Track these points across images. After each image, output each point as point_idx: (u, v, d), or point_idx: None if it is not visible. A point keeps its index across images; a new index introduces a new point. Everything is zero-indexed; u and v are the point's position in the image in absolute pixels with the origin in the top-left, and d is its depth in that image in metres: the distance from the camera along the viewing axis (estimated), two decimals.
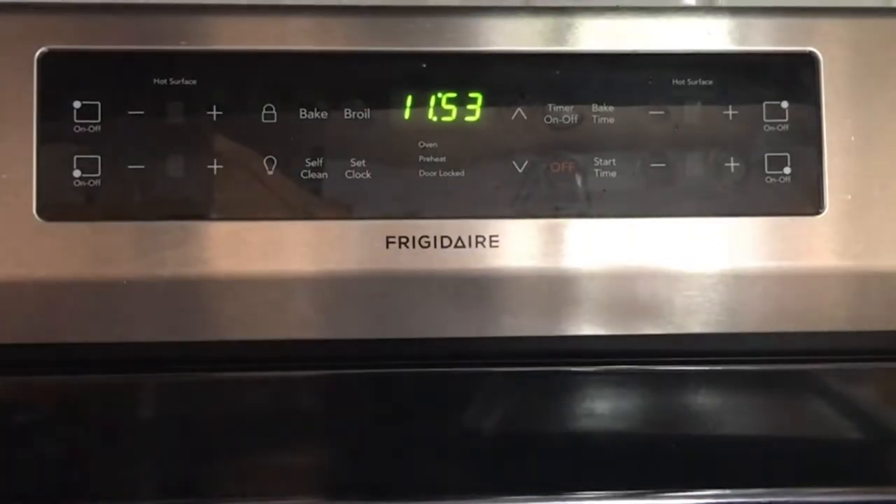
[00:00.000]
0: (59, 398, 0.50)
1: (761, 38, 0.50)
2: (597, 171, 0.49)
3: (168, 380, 0.50)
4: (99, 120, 0.47)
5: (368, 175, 0.48)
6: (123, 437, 0.49)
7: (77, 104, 0.47)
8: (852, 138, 0.50)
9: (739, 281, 0.49)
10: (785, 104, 0.50)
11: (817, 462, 0.51)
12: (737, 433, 0.52)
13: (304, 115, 0.48)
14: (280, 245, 0.47)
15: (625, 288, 0.49)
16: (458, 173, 0.48)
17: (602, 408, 0.51)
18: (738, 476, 0.51)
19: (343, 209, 0.48)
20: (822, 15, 0.51)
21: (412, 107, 0.49)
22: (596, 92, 0.49)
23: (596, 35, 0.50)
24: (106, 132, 0.47)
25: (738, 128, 0.50)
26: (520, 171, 0.49)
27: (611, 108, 0.49)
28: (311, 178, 0.48)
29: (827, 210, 0.49)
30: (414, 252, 0.48)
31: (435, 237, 0.48)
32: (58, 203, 0.47)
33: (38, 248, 0.46)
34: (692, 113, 0.50)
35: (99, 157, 0.47)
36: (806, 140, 0.50)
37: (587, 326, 0.49)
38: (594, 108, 0.49)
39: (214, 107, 0.48)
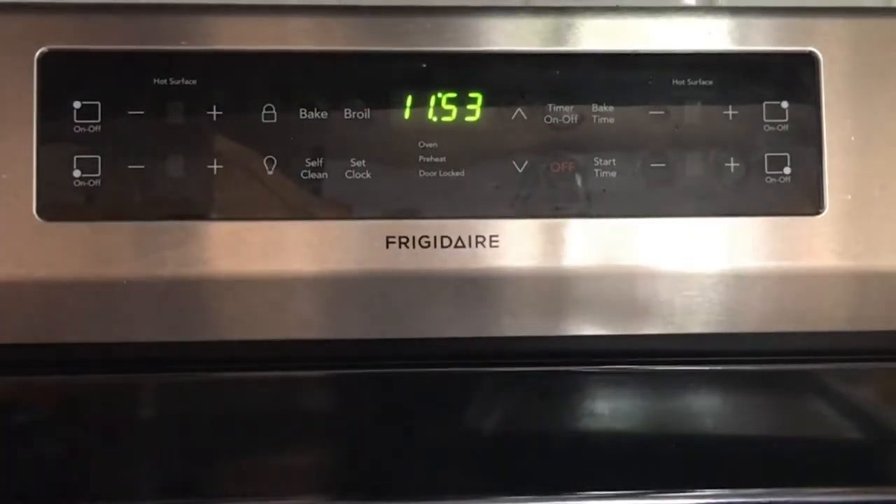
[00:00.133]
0: (59, 398, 0.50)
1: (761, 38, 0.50)
2: (597, 171, 0.49)
3: (168, 380, 0.50)
4: (99, 120, 0.47)
5: (368, 175, 0.48)
6: (123, 437, 0.49)
7: (77, 104, 0.47)
8: (852, 138, 0.50)
9: (739, 281, 0.49)
10: (785, 104, 0.50)
11: (817, 462, 0.51)
12: (737, 433, 0.52)
13: (304, 115, 0.48)
14: (280, 245, 0.47)
15: (625, 288, 0.49)
16: (458, 173, 0.48)
17: (602, 408, 0.51)
18: (738, 476, 0.50)
19: (343, 209, 0.48)
20: (822, 15, 0.51)
21: (412, 107, 0.49)
22: (596, 92, 0.49)
23: (596, 35, 0.50)
24: (106, 132, 0.47)
25: (738, 128, 0.50)
26: (520, 171, 0.49)
27: (611, 108, 0.49)
28: (311, 178, 0.48)
29: (827, 210, 0.49)
30: (414, 252, 0.48)
31: (435, 237, 0.48)
32: (58, 203, 0.47)
33: (38, 248, 0.46)
34: (692, 113, 0.50)
35: (99, 157, 0.47)
36: (806, 140, 0.50)
37: (587, 326, 0.49)
38: (594, 108, 0.49)
39: (214, 107, 0.48)
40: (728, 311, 0.49)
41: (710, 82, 0.50)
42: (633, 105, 0.49)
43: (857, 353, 0.51)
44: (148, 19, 0.48)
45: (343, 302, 0.48)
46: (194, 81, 0.48)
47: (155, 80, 0.47)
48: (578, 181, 0.49)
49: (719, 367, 0.51)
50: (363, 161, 0.48)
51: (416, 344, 0.49)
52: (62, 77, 0.47)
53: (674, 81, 0.50)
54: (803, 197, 0.50)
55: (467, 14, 0.50)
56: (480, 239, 0.48)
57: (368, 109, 0.48)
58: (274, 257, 0.47)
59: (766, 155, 0.49)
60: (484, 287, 0.48)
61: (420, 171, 0.48)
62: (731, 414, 0.52)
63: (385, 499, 0.50)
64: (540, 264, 0.48)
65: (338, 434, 0.51)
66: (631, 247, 0.49)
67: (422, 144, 0.48)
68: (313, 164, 0.48)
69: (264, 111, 0.48)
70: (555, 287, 0.49)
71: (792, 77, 0.50)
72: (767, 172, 0.49)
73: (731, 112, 0.50)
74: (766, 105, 0.50)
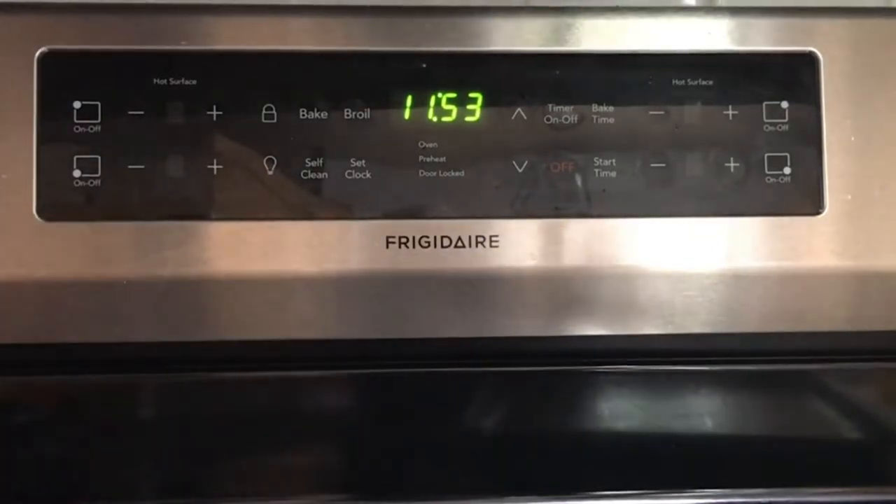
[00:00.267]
0: (59, 398, 0.50)
1: (761, 38, 0.50)
2: (597, 171, 0.49)
3: (168, 380, 0.50)
4: (99, 120, 0.47)
5: (368, 175, 0.48)
6: (123, 438, 0.49)
7: (77, 104, 0.47)
8: (852, 138, 0.50)
9: (739, 281, 0.49)
10: (785, 104, 0.50)
11: (817, 462, 0.51)
12: (737, 433, 0.52)
13: (304, 115, 0.48)
14: (280, 245, 0.47)
15: (624, 288, 0.49)
16: (458, 173, 0.48)
17: (602, 408, 0.51)
18: (738, 476, 0.50)
19: (343, 209, 0.48)
20: (822, 15, 0.51)
21: (412, 107, 0.49)
22: (596, 92, 0.49)
23: (596, 35, 0.50)
24: (106, 132, 0.47)
25: (738, 128, 0.50)
26: (520, 171, 0.49)
27: (611, 108, 0.49)
28: (311, 178, 0.48)
29: (827, 210, 0.49)
30: (414, 252, 0.48)
31: (435, 237, 0.48)
32: (58, 203, 0.47)
33: (38, 248, 0.46)
34: (692, 113, 0.50)
35: (99, 157, 0.47)
36: (806, 140, 0.50)
37: (587, 326, 0.49)
38: (594, 108, 0.49)
39: (214, 107, 0.48)
40: (728, 311, 0.49)
41: (710, 82, 0.50)
42: (633, 105, 0.49)
43: (857, 353, 0.51)
44: (148, 19, 0.48)
45: (343, 302, 0.48)
46: (194, 81, 0.48)
47: (155, 80, 0.47)
48: (578, 181, 0.49)
49: (719, 367, 0.51)
50: (363, 161, 0.48)
51: (416, 344, 0.49)
52: (62, 77, 0.47)
53: (674, 81, 0.50)
54: (803, 197, 0.50)
55: (467, 14, 0.50)
56: (480, 239, 0.48)
57: (368, 109, 0.48)
58: (274, 257, 0.47)
59: (766, 155, 0.49)
60: (484, 287, 0.48)
61: (420, 171, 0.48)
62: (731, 414, 0.52)
63: (385, 499, 0.50)
64: (540, 264, 0.48)
65: (338, 434, 0.51)
66: (631, 247, 0.49)
67: (422, 144, 0.48)
68: (313, 164, 0.48)
69: (264, 111, 0.48)
70: (555, 287, 0.49)
71: (792, 77, 0.50)
72: (767, 172, 0.49)
73: (731, 112, 0.50)
74: (766, 105, 0.50)
